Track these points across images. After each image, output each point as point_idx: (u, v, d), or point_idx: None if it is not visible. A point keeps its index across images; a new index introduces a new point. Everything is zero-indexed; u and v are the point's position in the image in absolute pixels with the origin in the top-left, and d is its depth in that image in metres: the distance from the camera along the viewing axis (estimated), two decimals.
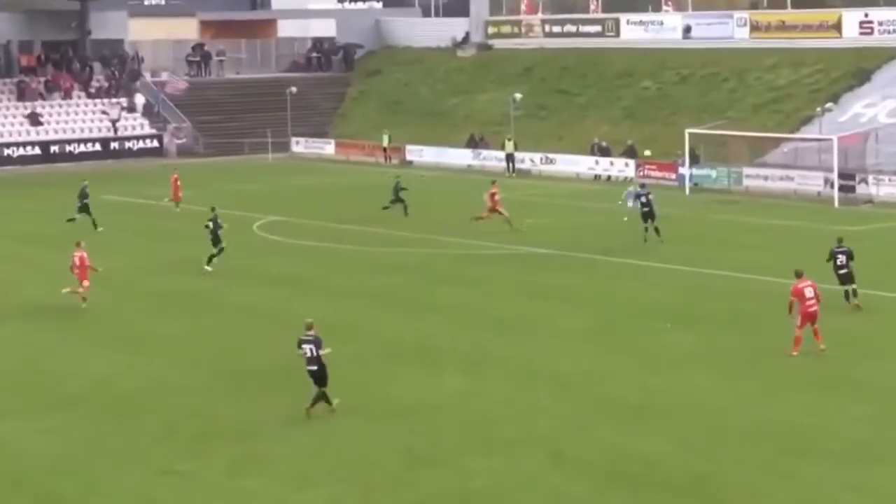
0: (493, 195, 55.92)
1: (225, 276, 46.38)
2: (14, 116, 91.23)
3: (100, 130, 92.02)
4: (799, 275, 34.17)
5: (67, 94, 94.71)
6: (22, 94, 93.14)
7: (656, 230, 51.39)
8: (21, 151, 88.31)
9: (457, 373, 33.20)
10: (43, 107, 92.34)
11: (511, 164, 79.33)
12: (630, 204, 55.03)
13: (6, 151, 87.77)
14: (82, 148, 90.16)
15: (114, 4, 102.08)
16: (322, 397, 29.27)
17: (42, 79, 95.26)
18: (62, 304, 41.96)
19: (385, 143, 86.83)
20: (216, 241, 47.69)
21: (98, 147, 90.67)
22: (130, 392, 31.91)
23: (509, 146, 79.52)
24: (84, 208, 58.88)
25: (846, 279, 38.76)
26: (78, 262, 41.64)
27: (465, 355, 34.90)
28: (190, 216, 57.74)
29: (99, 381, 32.86)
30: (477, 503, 24.50)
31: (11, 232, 58.68)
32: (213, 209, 49.04)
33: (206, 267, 47.47)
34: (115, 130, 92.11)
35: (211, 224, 47.83)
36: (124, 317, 40.77)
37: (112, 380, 33.07)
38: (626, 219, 54.85)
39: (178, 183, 65.19)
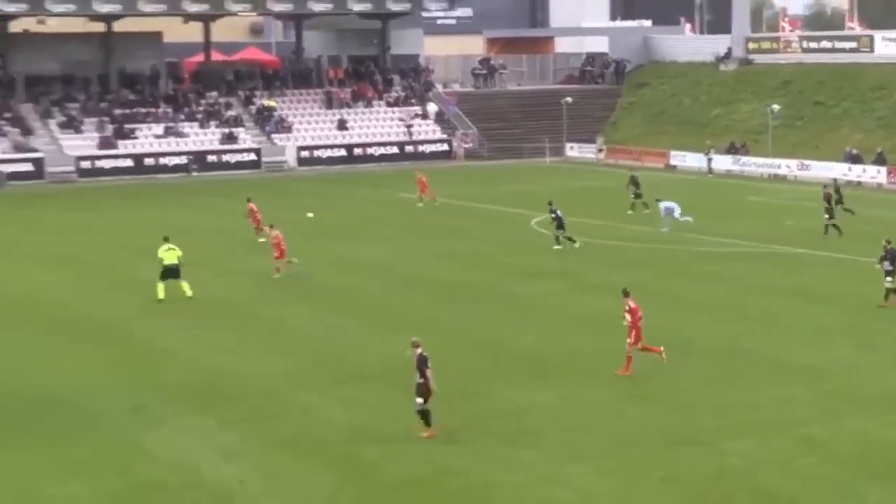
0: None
1: (498, 269, 46.55)
2: (323, 122, 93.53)
3: (397, 135, 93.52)
4: None
5: (369, 103, 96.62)
6: (330, 103, 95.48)
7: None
8: (329, 153, 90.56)
9: (708, 362, 32.61)
10: (348, 114, 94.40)
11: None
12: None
13: (316, 153, 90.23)
14: (381, 150, 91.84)
15: (411, 24, 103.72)
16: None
17: (348, 89, 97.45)
18: (355, 291, 42.82)
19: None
20: (560, 226, 50.36)
21: (395, 150, 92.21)
22: (408, 370, 32.20)
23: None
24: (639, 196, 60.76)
25: None
26: (275, 241, 44.28)
27: (715, 346, 34.27)
28: (476, 214, 58.17)
29: (387, 359, 33.30)
30: (733, 480, 24.05)
31: (310, 224, 60.04)
32: (550, 203, 51.45)
33: (556, 246, 50.19)
34: (410, 135, 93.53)
35: (553, 214, 50.66)
36: (411, 303, 41.19)
37: (398, 358, 33.50)
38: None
39: (424, 181, 65.82)
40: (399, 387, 29.80)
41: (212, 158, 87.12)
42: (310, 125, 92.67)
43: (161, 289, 41.25)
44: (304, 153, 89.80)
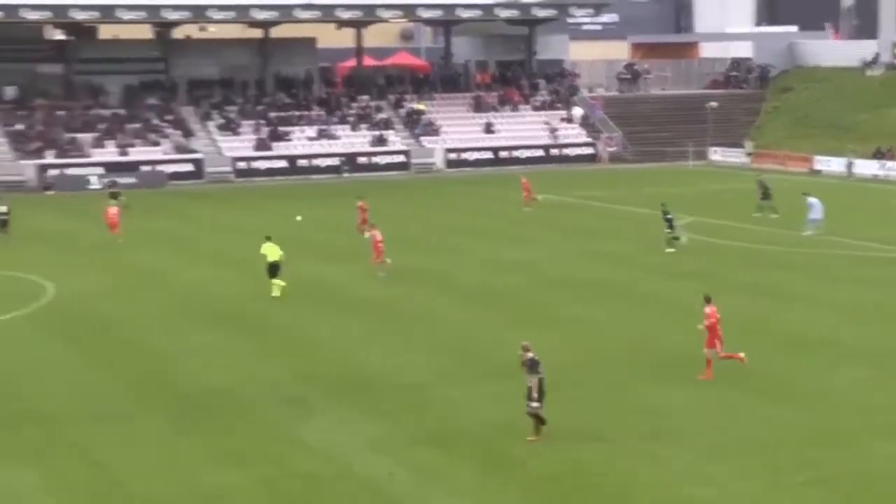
0: (361, 208, 55.34)
1: (640, 269, 46.28)
2: (471, 125, 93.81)
3: (542, 138, 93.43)
4: None
5: (515, 107, 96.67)
6: (478, 107, 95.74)
7: None
8: (476, 156, 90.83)
9: (858, 364, 31.99)
10: (495, 117, 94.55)
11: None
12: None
13: (463, 155, 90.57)
14: (527, 153, 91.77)
15: (557, 30, 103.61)
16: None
17: (495, 94, 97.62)
18: (502, 289, 42.93)
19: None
20: (671, 227, 50.40)
21: (540, 153, 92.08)
22: (553, 366, 32.17)
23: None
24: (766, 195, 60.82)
25: None
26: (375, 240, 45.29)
27: (863, 349, 33.60)
28: (620, 216, 57.89)
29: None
30: (882, 484, 23.50)
31: (459, 225, 60.28)
32: (662, 205, 51.74)
33: (668, 249, 49.93)
34: (555, 138, 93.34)
35: (666, 217, 50.73)
36: (556, 301, 41.12)
37: (546, 357, 33.38)
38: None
39: (528, 185, 65.65)
40: (546, 382, 29.85)
41: (362, 160, 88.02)
42: (457, 128, 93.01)
43: (275, 287, 42.23)
44: (452, 155, 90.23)
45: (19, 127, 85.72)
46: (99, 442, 26.67)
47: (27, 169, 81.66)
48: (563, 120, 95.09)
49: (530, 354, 26.45)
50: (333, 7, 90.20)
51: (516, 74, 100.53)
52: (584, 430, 26.72)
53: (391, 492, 23.71)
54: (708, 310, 30.94)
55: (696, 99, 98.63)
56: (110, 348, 35.49)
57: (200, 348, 35.28)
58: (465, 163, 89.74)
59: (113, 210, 56.42)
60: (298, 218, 57.41)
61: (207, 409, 29.12)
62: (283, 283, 42.17)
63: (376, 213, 61.77)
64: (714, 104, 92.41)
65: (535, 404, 26.05)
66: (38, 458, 25.69)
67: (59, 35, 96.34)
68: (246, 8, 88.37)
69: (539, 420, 26.17)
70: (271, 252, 42.40)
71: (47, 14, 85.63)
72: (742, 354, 31.18)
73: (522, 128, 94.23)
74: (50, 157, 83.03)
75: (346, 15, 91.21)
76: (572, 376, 31.24)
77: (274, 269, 42.19)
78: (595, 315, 38.79)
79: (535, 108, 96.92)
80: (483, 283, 44.53)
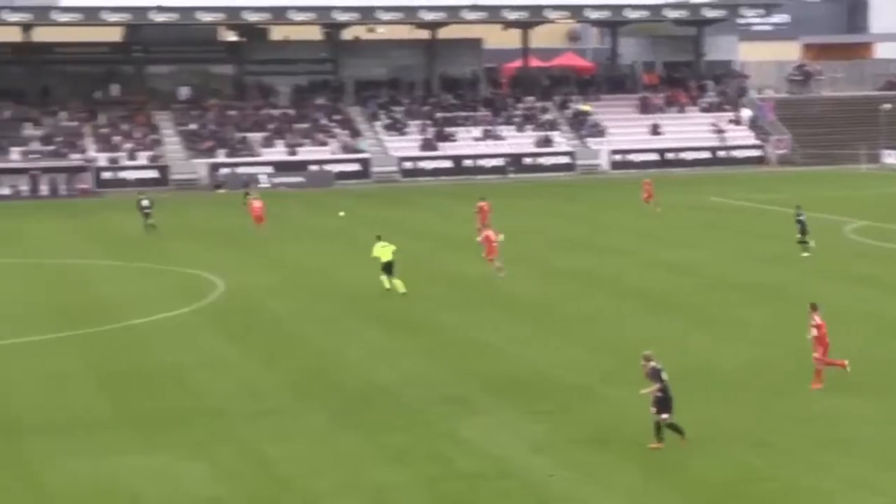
0: (481, 209, 54.30)
1: (810, 274, 45.32)
2: (637, 127, 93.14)
3: (709, 140, 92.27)
4: None
5: (682, 109, 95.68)
6: (644, 108, 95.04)
7: None
8: (642, 157, 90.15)
9: None
10: (661, 119, 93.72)
11: None
12: None
13: (629, 157, 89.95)
14: (693, 155, 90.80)
15: (726, 30, 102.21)
16: (664, 426, 25.80)
17: (662, 95, 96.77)
18: (667, 291, 42.49)
19: None
20: (803, 231, 48.98)
21: (707, 154, 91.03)
22: (729, 370, 31.76)
23: None
24: None
25: None
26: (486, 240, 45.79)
27: None
28: (788, 219, 56.79)
29: (697, 358, 32.85)
30: None
31: (623, 225, 59.79)
32: (797, 206, 50.46)
33: (803, 254, 48.52)
34: (723, 140, 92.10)
35: (798, 219, 49.54)
36: (722, 303, 40.52)
37: (712, 360, 33.02)
38: None
39: (650, 187, 65.29)
40: (709, 387, 29.48)
41: (527, 161, 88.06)
42: (623, 129, 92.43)
43: (386, 281, 42.65)
44: (617, 157, 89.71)
45: (192, 126, 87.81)
46: (264, 437, 27.10)
47: (199, 167, 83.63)
48: (730, 122, 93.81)
49: (652, 364, 26.06)
50: (500, 8, 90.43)
51: (684, 75, 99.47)
52: (749, 434, 26.26)
53: (552, 492, 23.60)
54: (815, 319, 30.07)
55: (870, 101, 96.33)
56: (276, 345, 36.06)
57: (364, 346, 35.62)
58: (631, 164, 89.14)
59: (257, 203, 59.37)
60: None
61: (370, 406, 29.37)
62: (398, 282, 42.47)
63: (542, 213, 61.80)
64: (888, 106, 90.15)
65: (664, 416, 25.66)
66: (207, 451, 26.19)
67: (231, 37, 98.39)
68: (414, 9, 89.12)
69: (672, 428, 25.68)
70: (384, 253, 42.92)
71: (221, 16, 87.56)
72: (845, 361, 30.27)
73: (689, 129, 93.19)
74: (221, 156, 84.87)
75: (512, 16, 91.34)
76: (739, 379, 30.76)
77: (388, 269, 42.66)
78: (760, 318, 38.11)
79: (703, 110, 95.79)
80: (647, 284, 44.14)
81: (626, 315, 39.17)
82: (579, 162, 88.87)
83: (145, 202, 60.59)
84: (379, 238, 43.81)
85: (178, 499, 23.64)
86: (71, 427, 28.06)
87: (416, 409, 29.03)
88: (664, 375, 25.81)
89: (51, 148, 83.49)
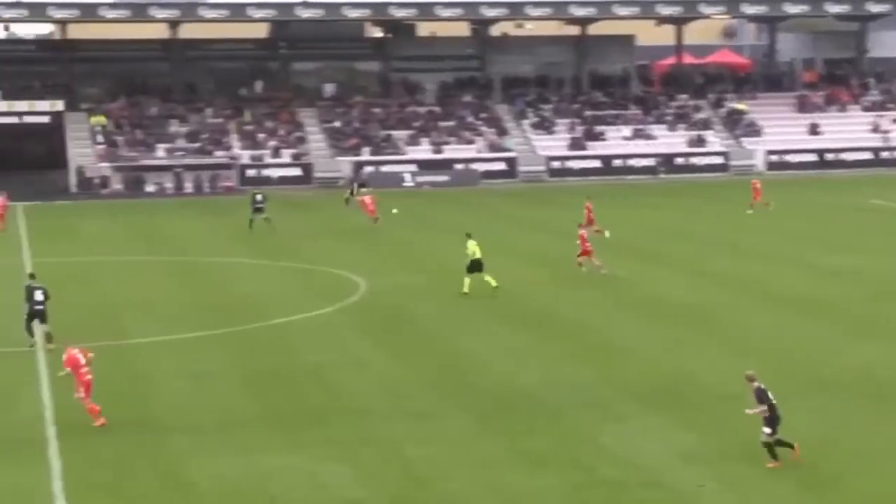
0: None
1: None
2: (794, 127, 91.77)
3: (871, 141, 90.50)
4: None
5: (843, 108, 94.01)
6: (802, 107, 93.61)
7: None
8: (799, 158, 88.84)
9: None
10: (821, 118, 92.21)
11: None
12: None
13: (786, 157, 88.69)
14: (854, 156, 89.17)
15: (890, 25, 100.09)
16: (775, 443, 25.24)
17: (821, 93, 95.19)
18: (825, 298, 41.81)
19: None
20: None
21: (868, 155, 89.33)
22: (889, 381, 31.13)
23: None
24: None
25: None
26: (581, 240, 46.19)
27: None
28: None
29: (859, 369, 32.29)
30: None
31: (778, 228, 58.94)
32: None
33: None
34: (886, 141, 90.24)
35: None
36: (887, 312, 39.70)
37: (871, 370, 32.41)
38: None
39: (759, 188, 64.64)
40: (866, 398, 28.97)
41: (679, 161, 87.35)
42: (780, 129, 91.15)
43: (467, 283, 43.07)
44: (773, 157, 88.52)
45: (336, 124, 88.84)
46: (405, 438, 27.34)
47: (343, 165, 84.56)
48: (894, 121, 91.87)
49: (755, 384, 25.51)
50: (653, 3, 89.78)
51: (845, 73, 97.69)
52: None
53: None
54: None
55: None
56: (418, 345, 36.35)
57: (506, 347, 35.71)
58: (787, 165, 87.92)
59: (367, 198, 62.93)
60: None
61: (512, 409, 29.44)
62: (490, 278, 43.04)
63: (693, 214, 61.35)
64: None
65: (767, 431, 25.14)
66: (349, 452, 26.51)
67: (377, 33, 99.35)
68: (564, 4, 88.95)
69: (780, 444, 25.15)
70: (474, 250, 43.68)
71: (367, 12, 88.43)
72: None
73: (850, 129, 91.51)
74: (365, 154, 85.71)
75: (666, 11, 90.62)
76: None
77: (478, 266, 43.44)
78: None
79: (865, 109, 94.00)
80: (802, 289, 43.46)
81: (780, 321, 38.62)
82: (733, 162, 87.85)
83: (259, 196, 62.34)
84: (469, 236, 44.41)
85: (319, 499, 23.99)
86: (214, 425, 28.64)
87: (557, 414, 29.02)
88: (770, 395, 25.32)
89: (196, 145, 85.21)
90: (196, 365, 34.30)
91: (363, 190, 69.19)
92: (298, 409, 29.84)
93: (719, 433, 27.40)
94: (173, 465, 25.93)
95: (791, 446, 25.24)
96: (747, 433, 27.27)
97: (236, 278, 48.77)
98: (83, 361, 28.64)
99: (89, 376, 28.64)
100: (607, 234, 53.35)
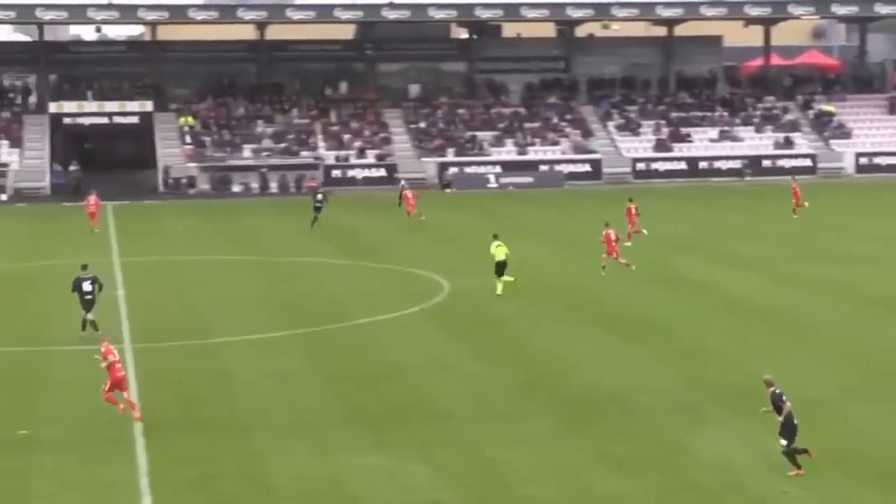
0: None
1: None
2: (885, 129, 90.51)
3: None
4: None
5: None
6: (894, 109, 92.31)
7: None
8: (890, 160, 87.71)
9: None
10: None
11: None
12: None
13: (876, 160, 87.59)
14: None
15: None
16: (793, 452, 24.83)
17: None
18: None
19: None
20: None
21: None
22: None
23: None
24: None
25: None
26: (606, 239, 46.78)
27: None
28: None
29: None
30: None
31: (867, 232, 58.17)
32: None
33: None
34: None
35: None
36: None
37: None
38: None
39: (798, 191, 64.06)
40: None
41: (766, 163, 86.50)
42: (870, 131, 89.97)
43: (500, 287, 43.19)
44: (863, 160, 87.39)
45: (421, 125, 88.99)
46: (488, 440, 27.26)
47: (428, 166, 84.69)
48: None
49: (773, 388, 25.03)
50: (742, 4, 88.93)
51: None
52: None
53: None
54: None
55: None
56: (502, 347, 36.26)
57: (590, 350, 35.53)
58: (878, 168, 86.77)
59: (408, 194, 64.88)
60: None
61: (597, 412, 29.27)
62: (500, 283, 43.24)
63: (777, 216, 60.80)
64: None
65: (783, 442, 24.67)
66: (431, 453, 26.48)
67: (463, 34, 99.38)
68: (651, 5, 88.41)
69: (797, 451, 24.72)
70: (498, 252, 43.64)
71: (453, 13, 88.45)
72: None
73: None
74: (450, 155, 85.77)
75: (754, 12, 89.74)
76: None
77: (501, 268, 43.40)
78: None
79: None
80: (891, 293, 42.80)
81: (867, 325, 38.08)
82: (821, 165, 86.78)
83: (319, 196, 63.54)
84: (495, 237, 44.43)
85: (401, 500, 23.98)
86: (296, 425, 28.75)
87: (645, 418, 28.80)
88: (788, 403, 24.85)
89: (282, 146, 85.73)
90: (279, 364, 34.47)
91: (404, 184, 70.16)
92: (381, 409, 29.87)
93: (805, 439, 26.98)
94: (256, 464, 26.05)
95: (806, 451, 24.87)
96: (833, 439, 26.94)
97: (320, 278, 48.97)
98: (117, 357, 29.17)
99: (122, 372, 29.26)
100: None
